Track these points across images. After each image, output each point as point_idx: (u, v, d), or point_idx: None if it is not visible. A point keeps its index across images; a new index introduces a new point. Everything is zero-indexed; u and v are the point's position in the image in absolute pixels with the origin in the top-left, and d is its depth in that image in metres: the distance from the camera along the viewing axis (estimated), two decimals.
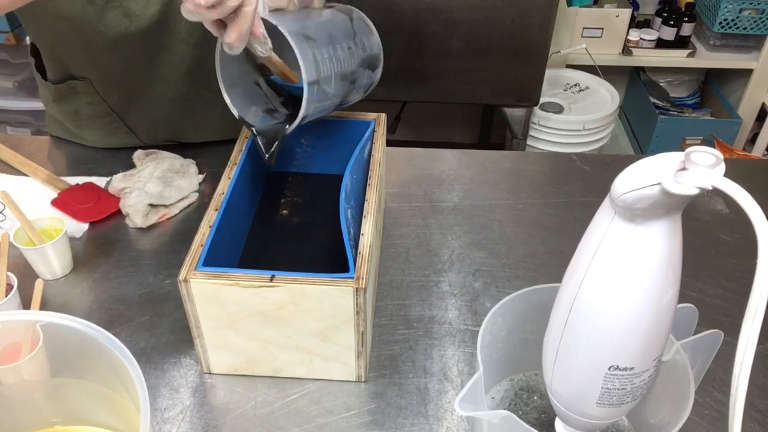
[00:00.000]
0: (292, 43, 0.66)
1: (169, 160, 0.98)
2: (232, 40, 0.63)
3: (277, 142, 0.74)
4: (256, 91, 0.80)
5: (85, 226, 0.91)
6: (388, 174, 1.02)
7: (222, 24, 0.64)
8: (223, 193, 0.74)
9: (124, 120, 1.01)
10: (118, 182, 0.94)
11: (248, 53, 0.78)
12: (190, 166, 0.99)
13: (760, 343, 0.40)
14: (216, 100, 1.02)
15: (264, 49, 0.67)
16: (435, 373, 0.73)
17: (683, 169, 0.40)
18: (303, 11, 0.72)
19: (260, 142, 0.75)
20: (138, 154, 1.00)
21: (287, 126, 0.74)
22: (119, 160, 1.01)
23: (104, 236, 0.90)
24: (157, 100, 0.98)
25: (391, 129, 1.86)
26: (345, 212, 0.71)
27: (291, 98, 0.81)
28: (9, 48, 2.03)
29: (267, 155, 0.75)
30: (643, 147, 2.42)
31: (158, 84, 0.96)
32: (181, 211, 0.95)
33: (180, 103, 1.00)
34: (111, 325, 0.77)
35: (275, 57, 0.71)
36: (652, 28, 2.31)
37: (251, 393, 0.71)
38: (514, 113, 1.94)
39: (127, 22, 0.86)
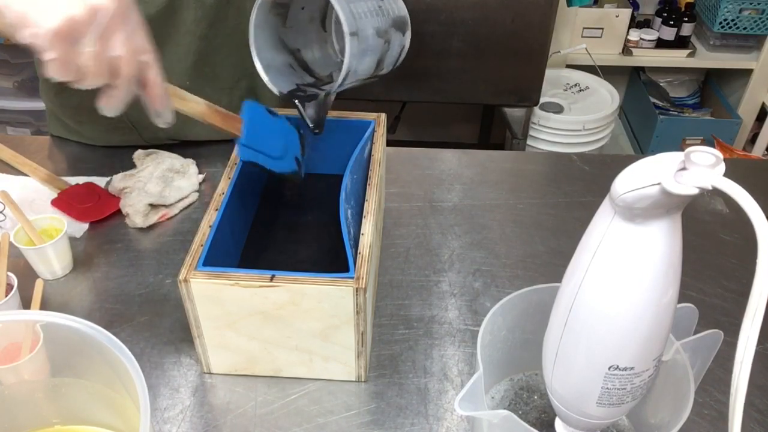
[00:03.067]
0: None
1: (169, 160, 0.98)
2: (100, 103, 0.62)
3: (324, 105, 0.76)
4: (289, 71, 0.80)
5: (85, 226, 0.91)
6: (388, 174, 1.02)
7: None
8: (223, 193, 0.74)
9: (126, 113, 1.00)
10: (118, 182, 0.94)
11: (280, 39, 0.79)
12: (190, 166, 0.99)
13: (760, 343, 0.40)
14: (220, 99, 1.02)
15: (161, 122, 0.65)
16: (435, 373, 0.73)
17: (683, 169, 0.40)
18: None
19: (306, 113, 0.76)
20: (138, 154, 1.00)
21: (332, 85, 0.75)
22: (119, 160, 1.01)
23: (104, 236, 0.90)
24: None
25: (391, 129, 1.86)
26: (345, 212, 0.71)
27: (321, 80, 0.82)
28: (9, 48, 2.03)
29: (313, 124, 0.77)
30: (643, 147, 2.42)
31: None
32: (181, 211, 0.95)
33: None
34: (111, 325, 0.77)
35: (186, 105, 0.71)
36: (652, 28, 2.31)
37: (251, 393, 0.71)
38: (514, 113, 1.94)
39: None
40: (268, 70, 0.77)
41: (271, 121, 0.78)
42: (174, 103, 0.68)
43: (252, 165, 0.75)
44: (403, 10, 0.82)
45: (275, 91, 0.77)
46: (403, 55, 0.84)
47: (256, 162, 0.75)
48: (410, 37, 0.84)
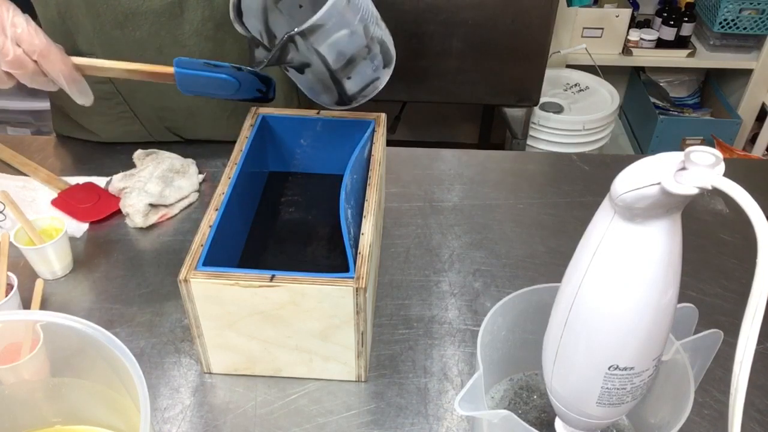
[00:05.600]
0: None
1: (169, 159, 0.98)
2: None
3: (281, 41, 0.71)
4: (257, 33, 0.79)
5: (85, 226, 0.91)
6: (388, 174, 1.02)
7: None
8: (223, 193, 0.74)
9: (129, 103, 1.00)
10: (118, 182, 0.94)
11: (265, 8, 0.78)
12: (191, 166, 0.99)
13: (760, 342, 0.40)
14: (225, 105, 1.02)
15: (81, 100, 0.76)
16: (435, 373, 0.73)
17: (683, 168, 0.40)
18: None
19: (254, 53, 0.74)
20: (138, 154, 1.00)
21: (296, 29, 0.70)
22: (119, 160, 1.01)
23: (104, 236, 0.90)
24: (165, 91, 0.98)
25: (391, 129, 1.85)
26: (345, 212, 0.71)
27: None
28: None
29: (254, 65, 0.74)
30: (643, 147, 2.42)
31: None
32: (181, 211, 0.95)
33: (187, 99, 0.99)
34: (111, 325, 0.77)
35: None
36: (652, 28, 2.31)
37: (251, 393, 0.71)
38: (514, 113, 1.94)
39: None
40: (246, 12, 0.75)
41: (209, 75, 0.75)
42: (90, 72, 0.74)
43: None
44: (393, 50, 0.82)
45: (238, 27, 0.75)
46: (372, 91, 0.81)
47: (204, 95, 0.74)
48: (387, 79, 0.81)
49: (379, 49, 0.78)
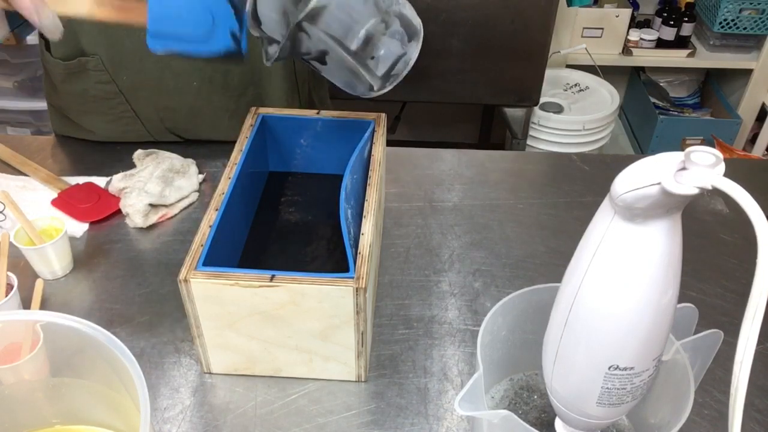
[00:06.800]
0: None
1: (169, 160, 0.98)
2: None
3: (289, 31, 0.67)
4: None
5: (85, 226, 0.91)
6: (388, 174, 1.02)
7: None
8: (223, 193, 0.74)
9: (130, 103, 1.00)
10: (118, 182, 0.94)
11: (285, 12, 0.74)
12: (191, 166, 0.99)
13: (760, 342, 0.40)
14: (227, 106, 1.02)
15: (49, 33, 0.65)
16: (435, 373, 0.73)
17: (683, 168, 0.40)
18: None
19: (265, 47, 0.71)
20: (138, 154, 1.00)
21: (299, 16, 0.66)
22: (119, 160, 1.01)
23: (104, 236, 0.90)
24: (167, 91, 0.98)
25: (391, 129, 1.86)
26: (345, 212, 0.71)
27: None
28: (9, 48, 2.03)
29: (268, 58, 0.70)
30: (643, 147, 2.42)
31: (169, 77, 0.96)
32: (181, 211, 0.95)
33: (189, 99, 1.00)
34: (111, 325, 0.77)
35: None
36: (652, 28, 2.31)
37: (251, 393, 0.71)
38: (514, 113, 1.94)
39: None
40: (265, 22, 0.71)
41: None
42: (56, 6, 0.65)
43: (175, 56, 0.66)
44: (417, 21, 0.77)
45: (254, 31, 0.70)
46: (403, 68, 0.77)
47: (175, 51, 0.66)
48: (417, 53, 0.76)
49: (398, 23, 0.74)
